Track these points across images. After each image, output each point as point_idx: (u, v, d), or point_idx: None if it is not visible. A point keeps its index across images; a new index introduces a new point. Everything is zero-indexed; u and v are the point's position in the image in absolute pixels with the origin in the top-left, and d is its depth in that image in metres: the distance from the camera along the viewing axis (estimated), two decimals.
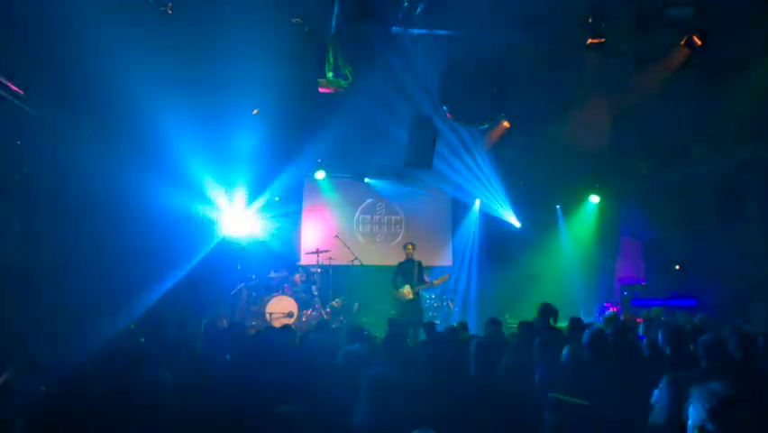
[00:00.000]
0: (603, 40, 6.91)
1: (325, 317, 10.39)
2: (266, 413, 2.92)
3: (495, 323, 5.98)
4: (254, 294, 10.63)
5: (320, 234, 11.87)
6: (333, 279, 11.12)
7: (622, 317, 8.20)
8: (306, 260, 11.45)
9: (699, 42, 7.08)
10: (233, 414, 3.52)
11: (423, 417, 2.98)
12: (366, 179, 12.00)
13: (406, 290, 9.16)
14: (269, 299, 10.20)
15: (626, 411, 2.95)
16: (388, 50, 7.97)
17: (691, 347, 4.68)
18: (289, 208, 11.85)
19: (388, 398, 2.79)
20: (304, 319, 10.19)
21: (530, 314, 9.09)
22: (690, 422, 2.20)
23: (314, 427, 2.80)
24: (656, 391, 2.94)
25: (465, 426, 3.19)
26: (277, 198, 11.29)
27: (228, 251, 10.78)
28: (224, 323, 8.99)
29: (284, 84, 8.26)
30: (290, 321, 9.72)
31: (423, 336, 6.83)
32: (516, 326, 6.78)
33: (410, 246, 9.55)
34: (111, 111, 7.61)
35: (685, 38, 7.21)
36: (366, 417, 2.81)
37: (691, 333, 4.97)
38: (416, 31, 7.53)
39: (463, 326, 6.53)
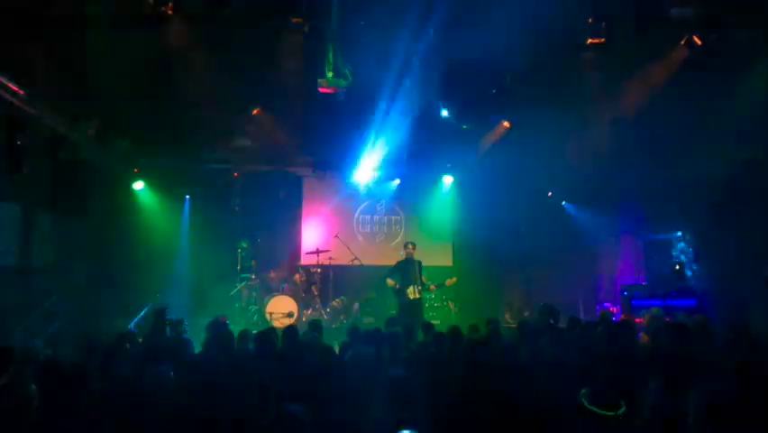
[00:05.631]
0: (603, 40, 6.91)
1: (325, 317, 10.39)
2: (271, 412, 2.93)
3: (492, 322, 6.01)
4: (254, 294, 10.63)
5: (320, 234, 11.87)
6: (333, 279, 11.11)
7: (621, 317, 8.20)
8: (306, 260, 11.44)
9: (699, 42, 7.08)
10: (234, 413, 3.52)
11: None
12: (366, 179, 11.99)
13: (411, 290, 9.12)
14: (269, 299, 10.19)
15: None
16: (387, 50, 7.98)
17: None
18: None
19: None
20: (304, 319, 10.19)
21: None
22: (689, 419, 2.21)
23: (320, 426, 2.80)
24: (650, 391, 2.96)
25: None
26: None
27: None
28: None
29: (284, 83, 8.27)
30: (290, 321, 9.71)
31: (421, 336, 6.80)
32: (517, 326, 6.78)
33: (410, 246, 9.50)
34: None
35: (685, 38, 7.21)
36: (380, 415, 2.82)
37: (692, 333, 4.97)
38: (415, 30, 7.54)
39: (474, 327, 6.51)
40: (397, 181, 12.08)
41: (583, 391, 2.83)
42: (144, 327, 8.07)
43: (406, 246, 9.54)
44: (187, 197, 11.11)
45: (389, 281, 8.93)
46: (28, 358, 4.26)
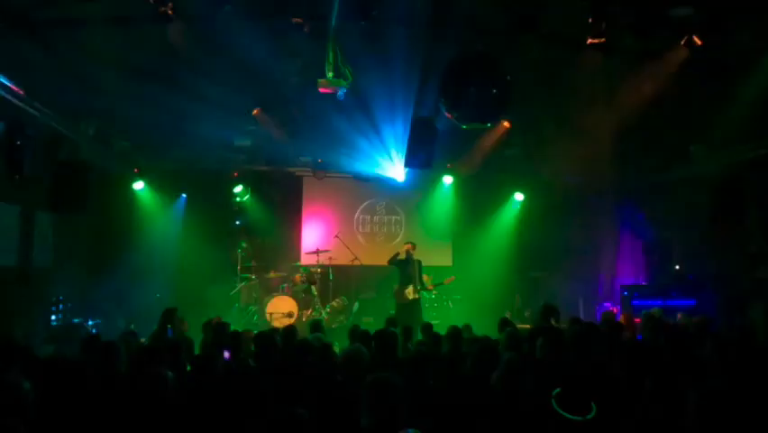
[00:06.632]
0: (603, 40, 6.90)
1: (325, 316, 10.40)
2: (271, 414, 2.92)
3: (507, 324, 5.96)
4: (254, 294, 10.64)
5: (320, 234, 11.87)
6: (333, 279, 11.12)
7: (621, 317, 8.20)
8: (306, 260, 11.44)
9: (699, 42, 7.06)
10: (234, 414, 3.52)
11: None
12: (366, 179, 11.99)
13: (410, 290, 9.12)
14: (269, 299, 10.19)
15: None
16: (387, 50, 7.97)
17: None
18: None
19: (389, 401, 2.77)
20: (304, 319, 10.19)
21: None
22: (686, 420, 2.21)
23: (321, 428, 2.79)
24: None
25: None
26: None
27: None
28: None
29: (284, 83, 8.26)
30: (290, 321, 9.72)
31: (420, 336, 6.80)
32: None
33: (411, 245, 9.52)
34: None
35: (685, 38, 7.19)
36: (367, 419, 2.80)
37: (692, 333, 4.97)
38: (415, 30, 7.53)
39: (467, 327, 6.49)
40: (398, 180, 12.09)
41: (555, 391, 2.78)
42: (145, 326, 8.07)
43: (406, 246, 9.56)
44: (184, 195, 11.11)
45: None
46: (28, 358, 4.26)
